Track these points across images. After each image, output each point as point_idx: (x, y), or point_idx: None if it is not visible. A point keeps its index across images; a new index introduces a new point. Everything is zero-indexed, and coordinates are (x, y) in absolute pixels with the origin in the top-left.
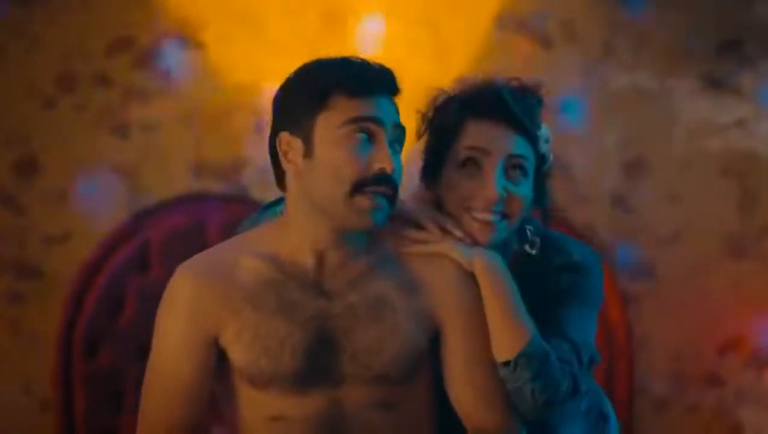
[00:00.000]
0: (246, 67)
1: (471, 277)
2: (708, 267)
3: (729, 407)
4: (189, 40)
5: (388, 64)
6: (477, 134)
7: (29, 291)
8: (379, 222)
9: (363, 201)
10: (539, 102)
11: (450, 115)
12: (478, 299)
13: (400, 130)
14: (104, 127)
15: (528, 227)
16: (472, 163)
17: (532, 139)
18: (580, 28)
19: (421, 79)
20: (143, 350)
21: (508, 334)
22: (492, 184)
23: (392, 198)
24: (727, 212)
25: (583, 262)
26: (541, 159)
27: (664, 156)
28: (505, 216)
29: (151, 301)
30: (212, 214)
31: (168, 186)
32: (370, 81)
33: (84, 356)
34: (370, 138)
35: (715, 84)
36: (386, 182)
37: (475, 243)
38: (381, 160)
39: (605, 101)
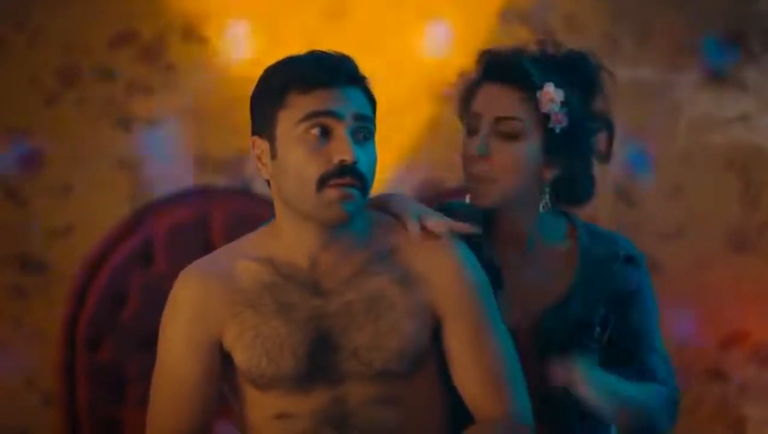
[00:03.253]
0: (250, 61)
1: (469, 263)
2: (711, 261)
3: (732, 401)
4: (192, 33)
5: (391, 59)
6: (478, 99)
7: (32, 285)
8: (352, 212)
9: (330, 193)
10: (564, 62)
11: (465, 85)
12: (477, 285)
13: (366, 119)
14: (107, 120)
15: (546, 190)
16: (473, 129)
17: (533, 99)
18: (583, 21)
19: (426, 73)
20: (146, 343)
21: None
22: (474, 144)
23: (363, 188)
24: (730, 206)
25: (639, 256)
26: (545, 118)
27: (668, 150)
28: (489, 180)
29: (155, 295)
30: (216, 208)
31: (171, 180)
32: (324, 73)
33: (87, 349)
34: (327, 132)
35: (718, 78)
36: (350, 173)
37: (480, 207)
38: (340, 152)
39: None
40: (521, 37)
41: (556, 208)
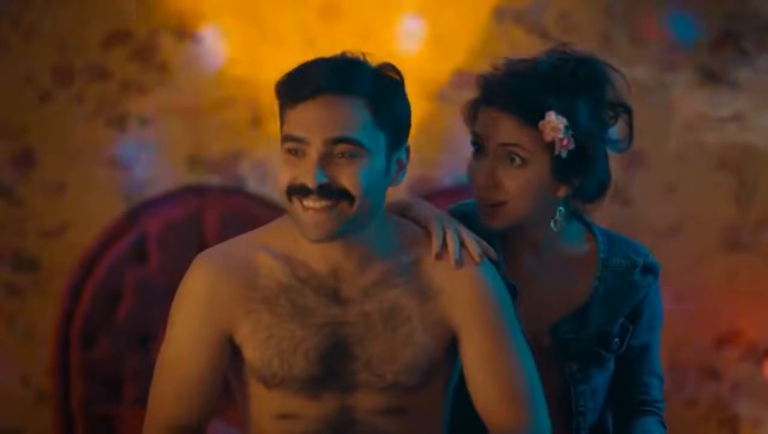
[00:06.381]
0: (243, 60)
1: (489, 276)
2: (705, 260)
3: (726, 399)
4: (186, 32)
5: (385, 57)
6: (480, 120)
7: (27, 283)
8: (337, 229)
9: (300, 211)
10: (569, 73)
11: (468, 105)
12: (497, 299)
13: (346, 141)
14: (101, 119)
15: (560, 209)
16: (479, 149)
17: (534, 127)
18: (577, 20)
19: (419, 71)
20: (141, 341)
21: None
22: (482, 169)
23: (347, 200)
24: (724, 205)
25: (657, 265)
26: (550, 145)
27: (662, 149)
28: (499, 203)
29: (149, 293)
30: (209, 207)
31: (165, 178)
32: (310, 84)
33: (81, 347)
34: (301, 151)
35: (712, 77)
36: (317, 192)
37: (493, 229)
38: (301, 176)
39: None
40: (515, 36)
41: (569, 212)
